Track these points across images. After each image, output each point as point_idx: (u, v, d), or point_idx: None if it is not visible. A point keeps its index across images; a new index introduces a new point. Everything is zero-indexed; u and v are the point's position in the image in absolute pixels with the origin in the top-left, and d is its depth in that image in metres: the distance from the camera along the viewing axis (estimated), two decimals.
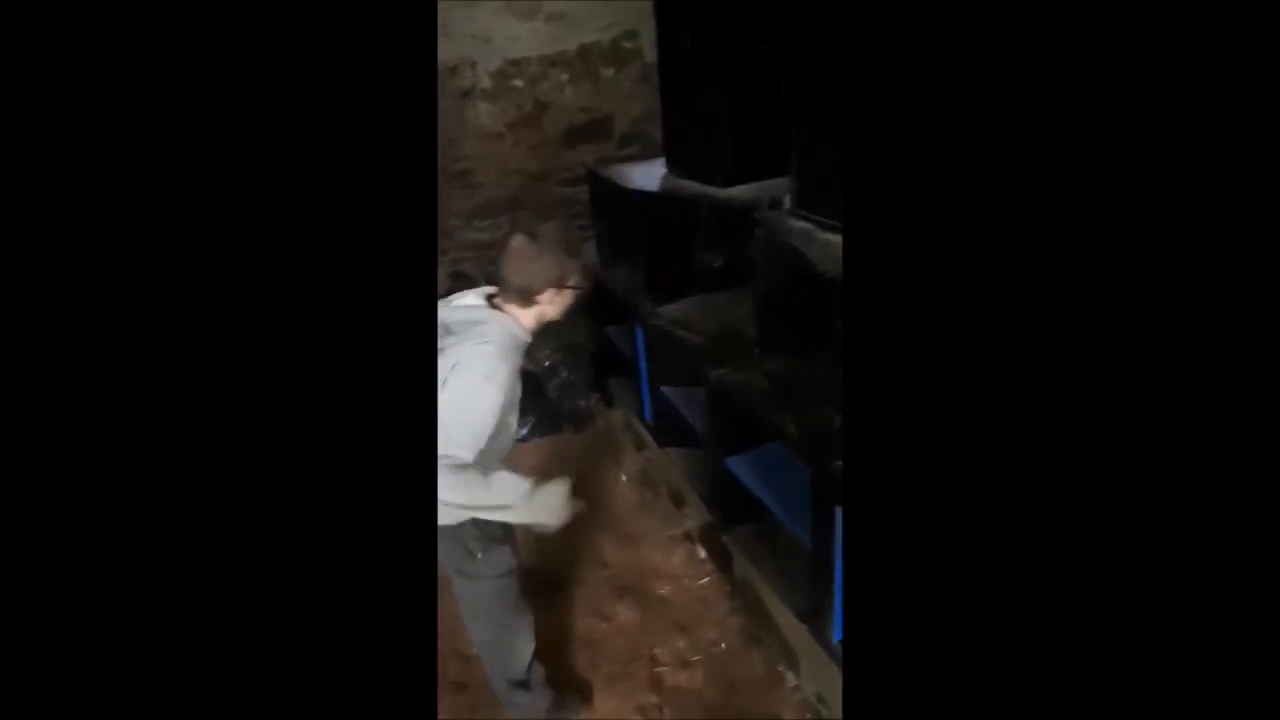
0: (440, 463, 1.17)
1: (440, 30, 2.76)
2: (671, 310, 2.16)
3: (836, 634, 1.57)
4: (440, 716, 1.68)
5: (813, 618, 1.63)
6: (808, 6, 1.46)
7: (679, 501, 2.32)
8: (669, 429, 2.34)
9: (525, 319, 1.34)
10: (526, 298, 1.31)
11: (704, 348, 1.94)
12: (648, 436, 2.54)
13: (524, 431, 2.74)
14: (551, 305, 1.34)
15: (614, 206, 2.41)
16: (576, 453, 2.72)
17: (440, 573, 1.31)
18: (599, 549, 2.24)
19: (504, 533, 1.44)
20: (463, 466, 1.20)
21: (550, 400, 2.92)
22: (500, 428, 1.26)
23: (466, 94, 2.89)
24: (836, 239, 1.47)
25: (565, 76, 3.00)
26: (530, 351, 2.94)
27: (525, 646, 1.56)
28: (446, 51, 2.81)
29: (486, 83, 2.91)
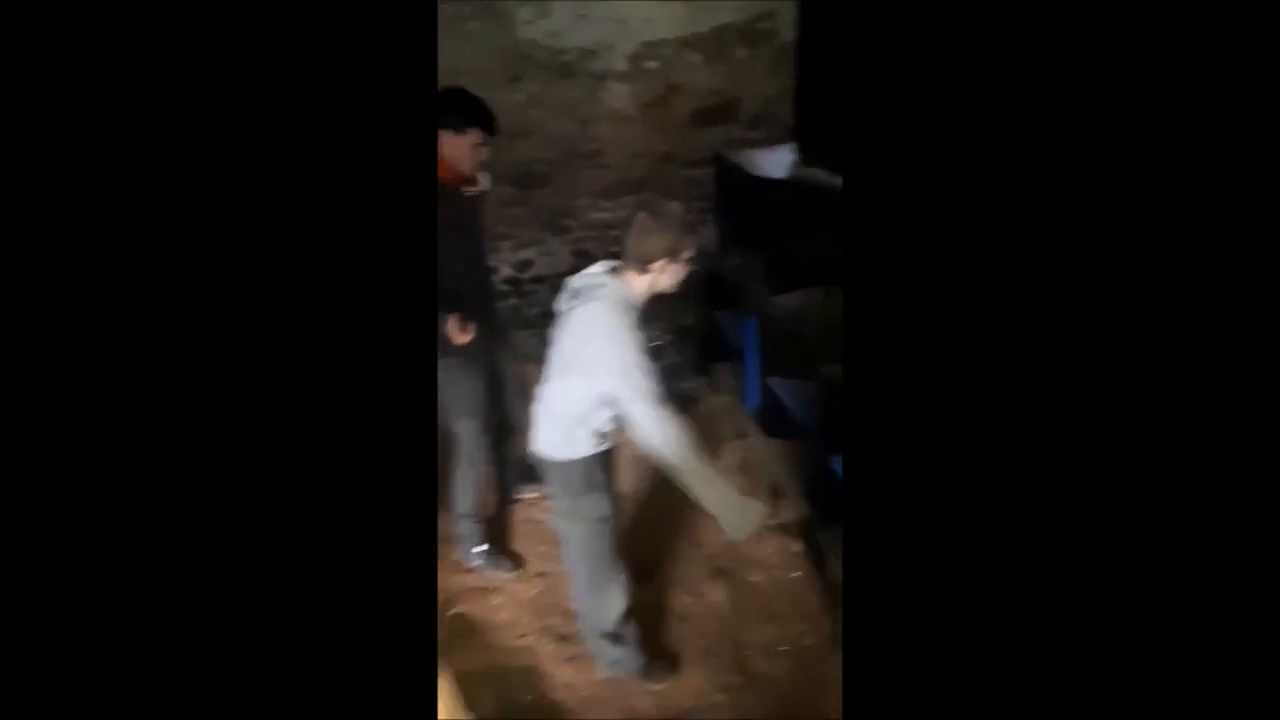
0: (633, 405, 1.40)
1: (580, 15, 2.85)
2: (787, 301, 2.14)
3: None
4: (533, 662, 1.82)
5: None
6: None
7: (777, 493, 2.32)
8: (773, 420, 2.33)
9: (638, 285, 1.49)
10: (642, 267, 1.46)
11: (818, 342, 1.91)
12: (750, 426, 2.54)
13: None
14: (663, 275, 1.48)
15: (738, 191, 2.41)
16: None
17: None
18: (694, 529, 2.29)
19: (605, 481, 1.59)
20: (659, 402, 1.39)
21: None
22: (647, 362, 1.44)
23: (601, 77, 2.97)
24: None
25: (699, 58, 2.99)
26: (640, 329, 3.00)
27: (617, 599, 1.66)
28: (584, 35, 2.89)
29: (621, 65, 2.96)
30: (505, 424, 2.19)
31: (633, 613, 1.70)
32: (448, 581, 2.10)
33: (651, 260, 1.45)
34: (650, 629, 1.81)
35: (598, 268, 1.54)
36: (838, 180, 1.96)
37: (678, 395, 2.94)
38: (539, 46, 2.87)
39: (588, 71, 2.95)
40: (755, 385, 2.48)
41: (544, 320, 1.69)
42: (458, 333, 1.77)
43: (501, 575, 2.10)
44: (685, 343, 3.10)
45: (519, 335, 3.04)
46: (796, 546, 2.17)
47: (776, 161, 2.26)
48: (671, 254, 1.46)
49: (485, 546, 2.10)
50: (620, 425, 1.54)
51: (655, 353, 3.09)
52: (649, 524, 2.26)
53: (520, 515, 2.34)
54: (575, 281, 1.54)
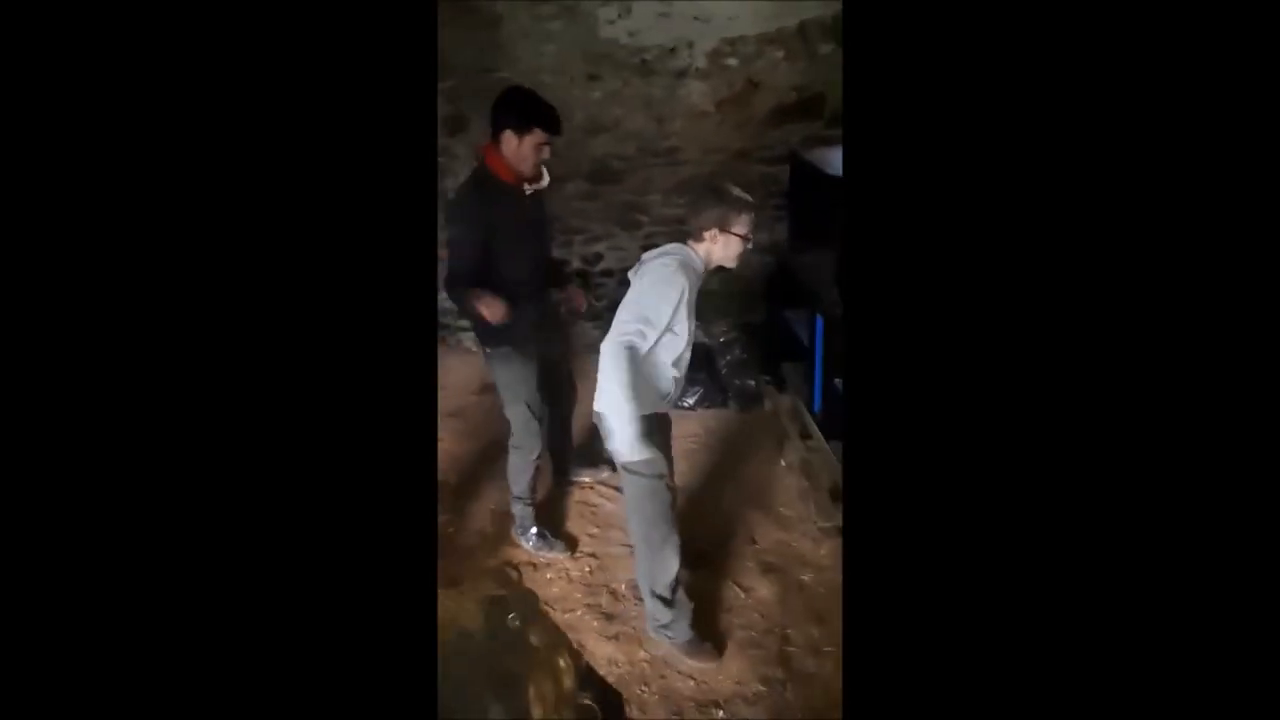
0: (612, 342, 1.51)
1: (661, 13, 2.89)
2: None
3: None
4: (577, 637, 1.87)
5: None
6: None
7: (837, 496, 2.27)
8: (838, 423, 2.28)
9: (699, 250, 1.62)
10: (697, 234, 1.60)
11: None
12: (814, 427, 2.49)
13: (690, 401, 2.84)
14: (716, 245, 1.59)
15: (812, 189, 2.37)
16: (735, 432, 2.76)
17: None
18: (750, 525, 2.28)
19: (663, 441, 1.69)
20: (631, 349, 1.49)
21: (719, 374, 2.98)
22: (674, 321, 1.54)
23: (681, 74, 3.00)
24: None
25: (780, 54, 2.97)
26: (707, 325, 3.07)
27: (670, 560, 1.72)
28: (664, 34, 2.93)
29: (701, 62, 2.99)
30: (560, 411, 2.26)
31: (683, 579, 1.75)
32: (504, 552, 2.20)
33: (704, 229, 1.57)
34: (698, 614, 1.83)
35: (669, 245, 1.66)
36: None
37: (740, 392, 2.93)
38: (619, 45, 2.95)
39: (667, 69, 2.99)
40: (821, 386, 2.44)
41: (609, 313, 1.74)
42: (495, 312, 1.73)
43: (554, 555, 2.16)
44: (752, 340, 3.08)
45: (584, 327, 3.13)
46: None
47: None
48: (721, 224, 1.57)
49: (535, 530, 2.16)
50: (678, 387, 1.65)
51: (721, 348, 3.08)
52: (703, 516, 2.27)
53: (576, 497, 2.42)
54: (646, 255, 1.67)
